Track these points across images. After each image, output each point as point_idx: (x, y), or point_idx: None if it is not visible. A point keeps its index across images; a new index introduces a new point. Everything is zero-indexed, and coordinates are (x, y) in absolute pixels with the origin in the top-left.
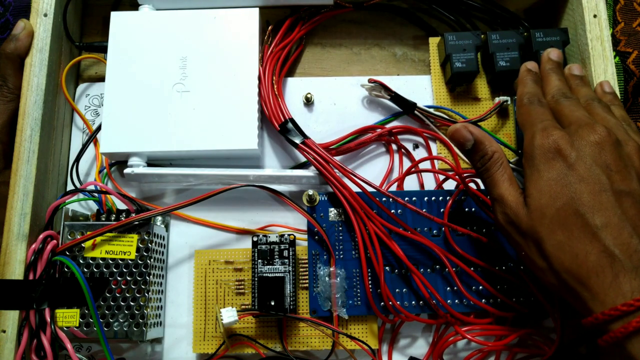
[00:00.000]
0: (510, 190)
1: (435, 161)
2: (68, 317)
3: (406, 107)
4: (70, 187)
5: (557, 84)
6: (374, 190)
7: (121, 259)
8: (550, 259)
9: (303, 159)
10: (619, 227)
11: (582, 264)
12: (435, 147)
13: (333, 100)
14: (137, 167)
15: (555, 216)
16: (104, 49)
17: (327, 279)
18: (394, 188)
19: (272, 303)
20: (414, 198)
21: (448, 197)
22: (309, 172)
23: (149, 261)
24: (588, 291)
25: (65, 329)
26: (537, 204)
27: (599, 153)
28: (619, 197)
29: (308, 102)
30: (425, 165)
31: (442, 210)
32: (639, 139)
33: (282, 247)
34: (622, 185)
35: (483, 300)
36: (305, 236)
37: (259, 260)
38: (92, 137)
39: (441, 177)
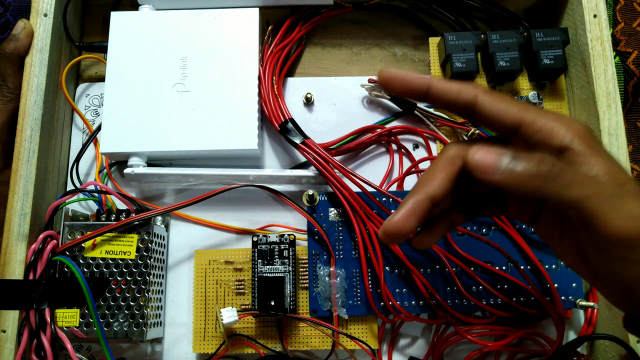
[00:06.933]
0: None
1: None
2: (68, 317)
3: (406, 107)
4: (70, 187)
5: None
6: (374, 190)
7: (121, 259)
8: None
9: (303, 159)
10: None
11: None
12: (435, 147)
13: (333, 100)
14: (137, 167)
15: None
16: (104, 49)
17: (327, 279)
18: (394, 188)
19: (272, 303)
20: None
21: None
22: (309, 172)
23: (149, 261)
24: None
25: (65, 329)
26: None
27: None
28: None
29: (308, 102)
30: (425, 165)
31: None
32: None
33: (282, 247)
34: None
35: (483, 300)
36: (305, 236)
37: (259, 260)
38: (92, 137)
39: None
